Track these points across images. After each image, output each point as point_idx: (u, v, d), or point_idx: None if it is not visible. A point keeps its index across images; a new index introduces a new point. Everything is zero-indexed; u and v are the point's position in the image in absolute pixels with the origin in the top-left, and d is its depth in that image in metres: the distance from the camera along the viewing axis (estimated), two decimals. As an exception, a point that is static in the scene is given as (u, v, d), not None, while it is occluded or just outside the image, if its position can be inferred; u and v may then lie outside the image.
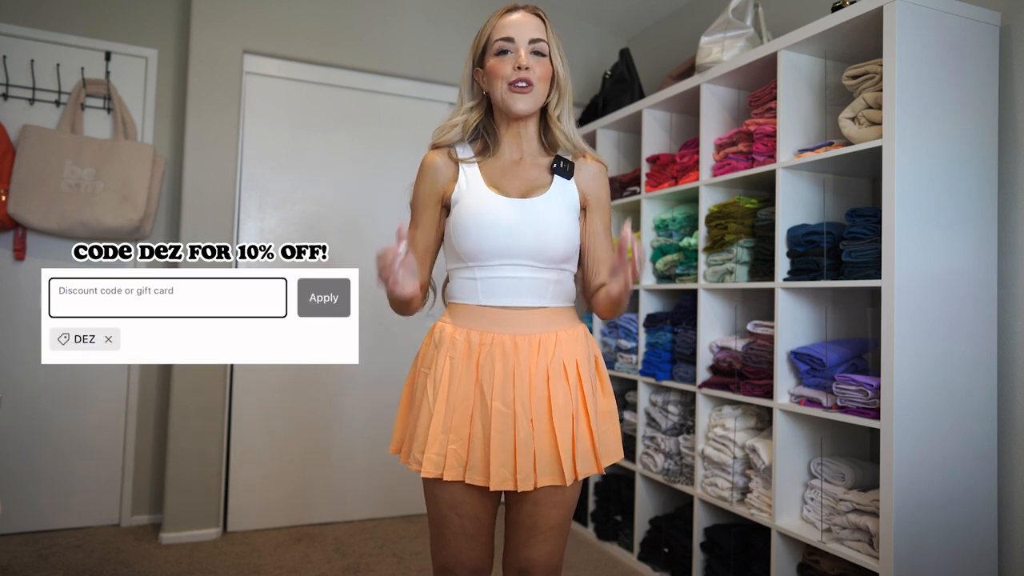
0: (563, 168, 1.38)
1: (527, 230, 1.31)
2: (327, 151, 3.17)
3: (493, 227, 1.31)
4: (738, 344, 2.30)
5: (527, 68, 1.31)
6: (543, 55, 1.34)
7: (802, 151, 2.06)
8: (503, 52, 1.33)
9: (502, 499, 1.41)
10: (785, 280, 2.08)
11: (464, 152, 1.40)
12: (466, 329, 1.33)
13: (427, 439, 1.30)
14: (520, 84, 1.32)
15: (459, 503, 1.32)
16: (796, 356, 2.06)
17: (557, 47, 1.37)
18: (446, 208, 1.39)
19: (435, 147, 1.42)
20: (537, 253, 1.32)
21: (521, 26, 1.33)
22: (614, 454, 1.42)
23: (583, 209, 1.42)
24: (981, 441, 1.83)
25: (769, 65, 2.21)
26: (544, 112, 1.41)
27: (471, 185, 1.35)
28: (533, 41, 1.33)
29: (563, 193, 1.38)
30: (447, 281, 1.44)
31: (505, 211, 1.32)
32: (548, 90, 1.37)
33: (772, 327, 2.15)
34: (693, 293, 2.58)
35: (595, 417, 1.36)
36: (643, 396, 2.73)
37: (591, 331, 3.09)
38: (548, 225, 1.33)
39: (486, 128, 1.42)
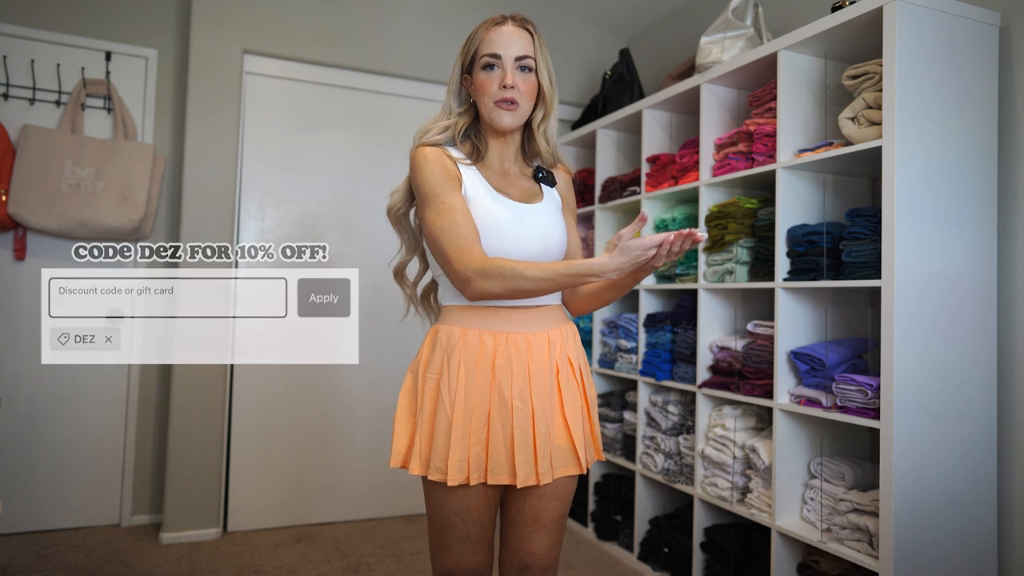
0: (547, 178, 1.46)
1: (534, 233, 1.35)
2: (327, 151, 3.17)
3: (507, 229, 1.32)
4: (738, 344, 2.30)
5: (512, 87, 1.33)
6: (530, 70, 1.35)
7: (802, 151, 2.06)
8: (490, 67, 1.34)
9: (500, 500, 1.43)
10: (785, 280, 2.08)
11: (457, 153, 1.40)
12: (478, 330, 1.33)
13: (449, 445, 1.28)
14: (505, 104, 1.34)
15: (466, 508, 1.32)
16: (796, 356, 2.06)
17: (545, 62, 1.38)
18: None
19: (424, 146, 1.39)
20: (541, 255, 1.36)
21: (508, 41, 1.34)
22: (598, 449, 1.48)
23: None
24: (981, 441, 1.83)
25: (769, 65, 2.21)
26: (528, 123, 1.43)
27: (476, 187, 1.35)
28: (520, 58, 1.34)
29: (552, 200, 1.44)
30: (434, 286, 1.48)
31: (516, 216, 1.34)
32: (533, 105, 1.39)
33: (772, 327, 2.15)
34: (693, 293, 2.58)
35: (593, 407, 1.43)
36: (643, 396, 2.73)
37: (591, 331, 3.09)
38: (550, 229, 1.38)
39: (475, 135, 1.43)
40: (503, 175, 1.41)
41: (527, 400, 1.30)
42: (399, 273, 1.52)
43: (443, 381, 1.32)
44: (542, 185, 1.44)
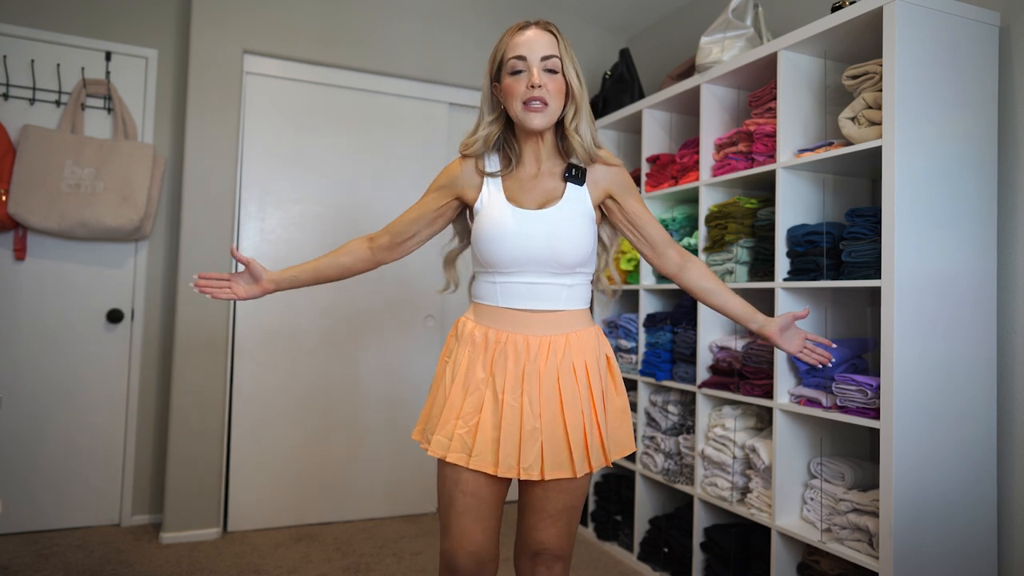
0: (575, 175, 1.44)
1: (540, 241, 1.39)
2: (327, 151, 3.17)
3: (509, 238, 1.39)
4: (738, 344, 2.30)
5: (540, 86, 1.36)
6: (555, 72, 1.39)
7: (802, 151, 2.06)
8: (517, 72, 1.38)
9: (508, 491, 1.48)
10: (785, 280, 2.08)
11: (491, 165, 1.48)
12: (485, 327, 1.44)
13: (439, 422, 1.41)
14: (534, 103, 1.37)
15: (462, 480, 1.40)
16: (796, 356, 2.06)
17: (571, 61, 1.41)
18: (463, 207, 1.53)
19: (463, 157, 1.49)
20: (550, 261, 1.40)
21: (533, 44, 1.38)
22: (627, 447, 1.50)
23: (614, 202, 1.49)
24: (981, 441, 1.83)
25: (769, 65, 2.21)
26: (561, 123, 1.45)
27: (492, 198, 1.44)
28: (545, 58, 1.38)
29: (576, 200, 1.44)
30: (473, 279, 1.53)
31: (520, 223, 1.39)
32: (563, 104, 1.42)
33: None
34: (693, 293, 2.58)
35: (603, 414, 1.44)
36: (643, 396, 2.73)
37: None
38: (560, 235, 1.39)
39: (507, 141, 1.48)
40: (530, 180, 1.45)
41: (518, 397, 1.38)
42: (450, 261, 1.61)
43: (449, 365, 1.46)
44: (569, 184, 1.44)
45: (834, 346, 1.59)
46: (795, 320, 1.53)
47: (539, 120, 1.38)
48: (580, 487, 1.44)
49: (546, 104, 1.37)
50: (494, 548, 1.43)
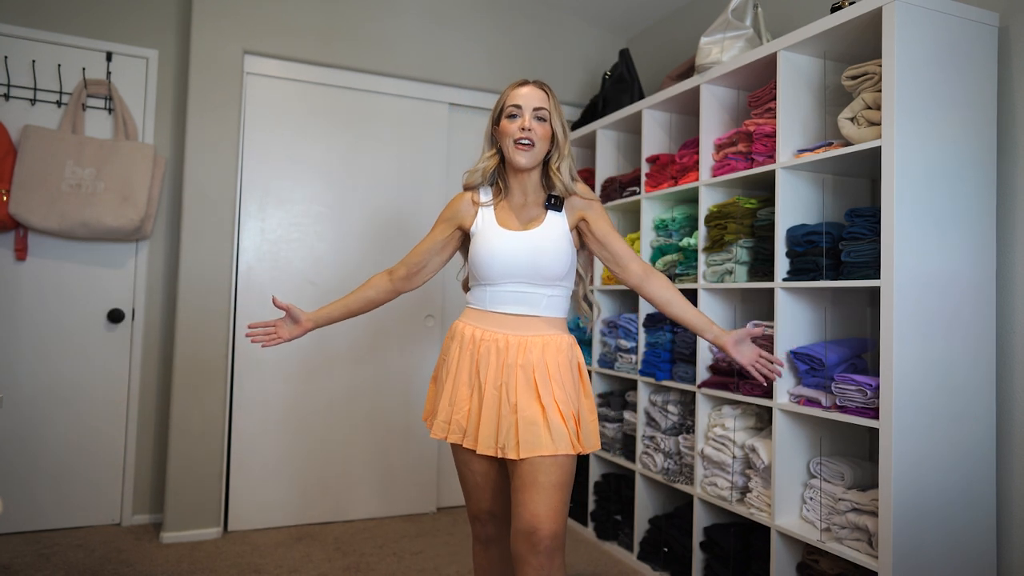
0: (554, 204, 1.71)
1: (524, 256, 1.64)
2: (327, 151, 3.17)
3: (499, 255, 1.65)
4: (738, 344, 2.30)
5: (530, 130, 1.64)
6: (544, 120, 1.67)
7: (801, 151, 2.06)
8: (512, 116, 1.66)
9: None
10: (784, 280, 2.09)
11: (485, 196, 1.75)
12: (473, 327, 1.70)
13: (439, 409, 1.68)
14: (523, 142, 1.65)
15: (468, 460, 1.69)
16: (795, 356, 2.07)
17: (558, 114, 1.69)
18: (464, 235, 1.77)
19: (465, 188, 1.77)
20: (532, 273, 1.65)
21: (528, 97, 1.66)
22: (594, 444, 1.68)
23: (585, 223, 1.73)
24: (980, 440, 1.83)
25: (769, 65, 2.21)
26: (546, 164, 1.72)
27: (485, 223, 1.71)
28: (536, 109, 1.66)
29: (555, 224, 1.69)
30: (468, 289, 1.79)
31: (508, 242, 1.65)
32: (548, 147, 1.69)
33: (772, 327, 2.15)
34: (693, 293, 2.58)
35: (577, 410, 1.63)
36: (643, 396, 2.73)
37: (591, 334, 3.10)
38: (542, 251, 1.65)
39: (500, 176, 1.76)
40: (519, 207, 1.72)
41: (498, 387, 1.61)
42: (465, 284, 1.85)
43: (447, 362, 1.71)
44: (549, 211, 1.69)
45: (783, 365, 1.79)
46: (749, 336, 1.68)
47: (524, 158, 1.65)
48: (564, 462, 1.57)
49: (532, 145, 1.64)
50: (501, 506, 1.72)
